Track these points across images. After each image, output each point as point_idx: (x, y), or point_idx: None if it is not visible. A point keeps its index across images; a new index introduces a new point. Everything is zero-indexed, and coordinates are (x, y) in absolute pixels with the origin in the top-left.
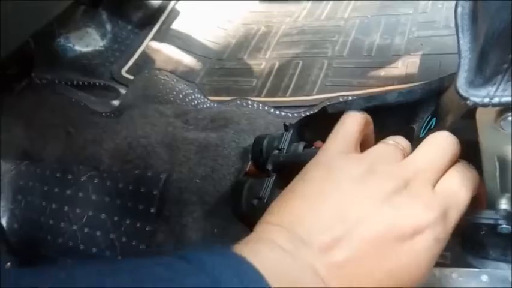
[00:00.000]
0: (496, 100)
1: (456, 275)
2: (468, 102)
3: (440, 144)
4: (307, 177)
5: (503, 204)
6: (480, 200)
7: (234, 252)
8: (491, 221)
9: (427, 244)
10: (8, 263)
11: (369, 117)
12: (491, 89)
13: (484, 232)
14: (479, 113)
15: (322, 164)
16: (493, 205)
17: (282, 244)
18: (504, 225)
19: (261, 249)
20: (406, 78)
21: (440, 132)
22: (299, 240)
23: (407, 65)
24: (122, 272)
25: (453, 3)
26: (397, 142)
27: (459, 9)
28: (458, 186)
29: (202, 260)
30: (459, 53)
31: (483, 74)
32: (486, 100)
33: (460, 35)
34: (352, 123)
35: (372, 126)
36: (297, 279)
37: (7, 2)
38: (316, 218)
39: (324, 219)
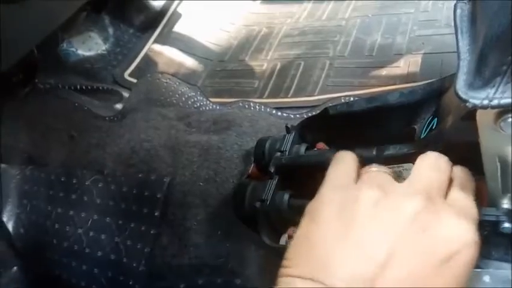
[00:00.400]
0: (495, 102)
1: None
2: (467, 104)
3: (435, 163)
4: (319, 218)
5: (505, 204)
6: (482, 200)
7: None
8: (492, 218)
9: (465, 265)
10: (15, 267)
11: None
12: (490, 91)
13: (486, 232)
14: (479, 115)
15: (330, 201)
16: (494, 205)
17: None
18: (506, 225)
19: None
20: (408, 77)
21: (430, 153)
22: None
23: (409, 64)
24: None
25: (453, 2)
26: (378, 168)
27: (458, 11)
28: (464, 197)
29: None
30: (458, 55)
31: (482, 76)
32: (485, 102)
33: (459, 37)
34: (351, 159)
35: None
36: None
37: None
38: (341, 261)
39: (351, 262)
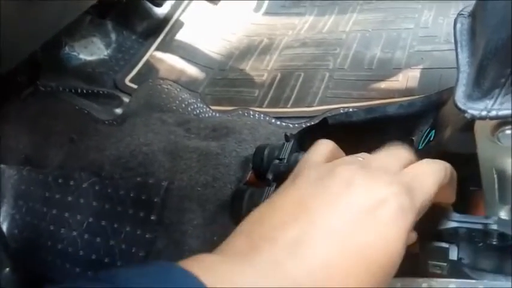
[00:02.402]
0: (493, 113)
1: (454, 286)
2: (466, 115)
3: (395, 151)
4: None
5: (503, 216)
6: (479, 212)
7: (167, 263)
8: (479, 226)
9: (391, 213)
10: (7, 269)
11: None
12: (488, 103)
13: (481, 244)
14: (477, 126)
15: (290, 176)
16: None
17: (236, 247)
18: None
19: (203, 256)
20: (407, 92)
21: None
22: (258, 239)
23: (407, 79)
24: None
25: (454, 19)
26: (355, 156)
27: (458, 25)
28: (423, 171)
29: (115, 275)
30: (458, 67)
31: (481, 87)
32: (484, 113)
33: (459, 50)
34: (326, 145)
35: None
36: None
37: (17, 13)
38: (276, 216)
39: (284, 216)
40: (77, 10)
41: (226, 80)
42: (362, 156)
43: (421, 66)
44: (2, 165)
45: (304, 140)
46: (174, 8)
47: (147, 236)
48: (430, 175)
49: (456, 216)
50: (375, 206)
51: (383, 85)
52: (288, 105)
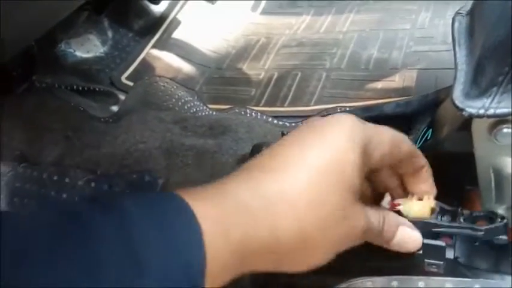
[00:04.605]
0: (491, 111)
1: (450, 284)
2: (464, 113)
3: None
4: None
5: None
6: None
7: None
8: (468, 231)
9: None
10: None
11: None
12: (486, 101)
13: (477, 243)
14: (475, 125)
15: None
16: None
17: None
18: (501, 237)
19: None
20: (403, 92)
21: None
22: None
23: (404, 79)
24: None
25: (450, 20)
26: None
27: (456, 24)
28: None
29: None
30: (455, 65)
31: (479, 86)
32: (481, 111)
33: (457, 48)
34: None
35: None
36: None
37: (12, 5)
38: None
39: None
40: (73, 4)
41: (223, 78)
42: None
43: (417, 67)
44: None
45: None
46: (171, 6)
47: None
48: (389, 132)
49: (444, 224)
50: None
51: (379, 85)
52: (285, 105)
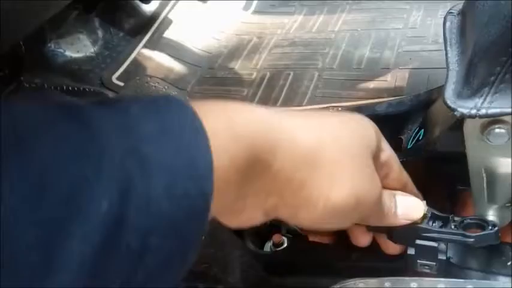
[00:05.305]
0: (483, 111)
1: (442, 285)
2: (456, 113)
3: None
4: None
5: (491, 216)
6: (467, 212)
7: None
8: (459, 237)
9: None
10: None
11: None
12: (478, 101)
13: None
14: (467, 125)
15: None
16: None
17: None
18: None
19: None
20: (395, 91)
21: None
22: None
23: (396, 78)
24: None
25: (442, 20)
26: None
27: (448, 24)
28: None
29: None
30: (447, 65)
31: (470, 86)
32: (473, 111)
33: (448, 48)
34: None
35: None
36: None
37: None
38: None
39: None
40: (61, 3)
41: (215, 78)
42: None
43: (409, 66)
44: None
45: None
46: (163, 6)
47: None
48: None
49: (435, 230)
50: None
51: (372, 85)
52: (277, 105)
